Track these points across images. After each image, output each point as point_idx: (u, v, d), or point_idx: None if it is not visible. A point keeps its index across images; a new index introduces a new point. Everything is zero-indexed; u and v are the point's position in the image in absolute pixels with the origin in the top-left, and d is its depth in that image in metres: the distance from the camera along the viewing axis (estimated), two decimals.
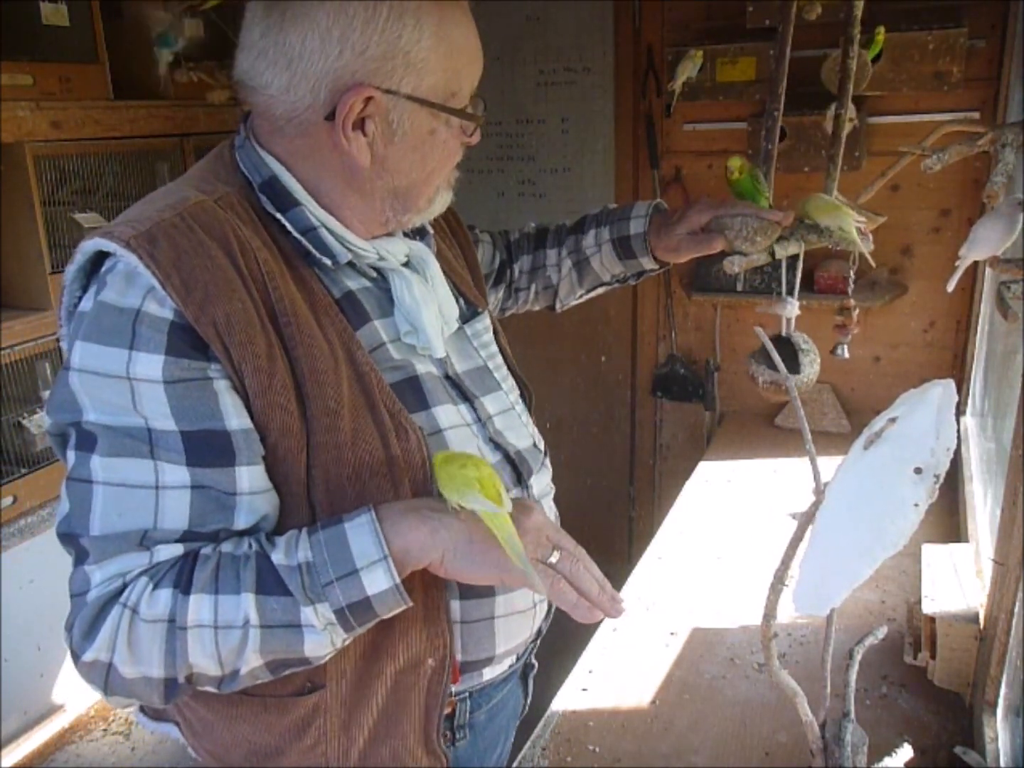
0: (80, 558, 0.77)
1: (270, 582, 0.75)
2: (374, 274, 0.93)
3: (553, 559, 0.81)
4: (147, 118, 2.11)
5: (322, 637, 0.76)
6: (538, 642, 1.14)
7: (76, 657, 0.78)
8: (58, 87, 1.95)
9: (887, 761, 0.94)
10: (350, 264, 0.91)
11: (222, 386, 0.79)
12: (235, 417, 0.79)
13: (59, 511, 0.79)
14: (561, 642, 1.15)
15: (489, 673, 1.01)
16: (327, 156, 0.87)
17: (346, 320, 0.87)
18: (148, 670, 0.76)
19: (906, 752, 0.97)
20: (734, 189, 1.21)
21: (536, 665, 1.18)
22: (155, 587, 0.75)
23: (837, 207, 1.46)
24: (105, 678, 0.77)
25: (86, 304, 0.79)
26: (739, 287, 2.45)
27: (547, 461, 1.09)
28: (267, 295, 0.81)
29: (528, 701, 1.19)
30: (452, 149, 0.91)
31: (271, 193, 0.87)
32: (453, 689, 0.97)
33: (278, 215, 0.86)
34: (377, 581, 0.76)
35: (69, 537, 0.78)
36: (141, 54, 2.18)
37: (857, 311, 1.59)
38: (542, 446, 1.09)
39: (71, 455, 0.78)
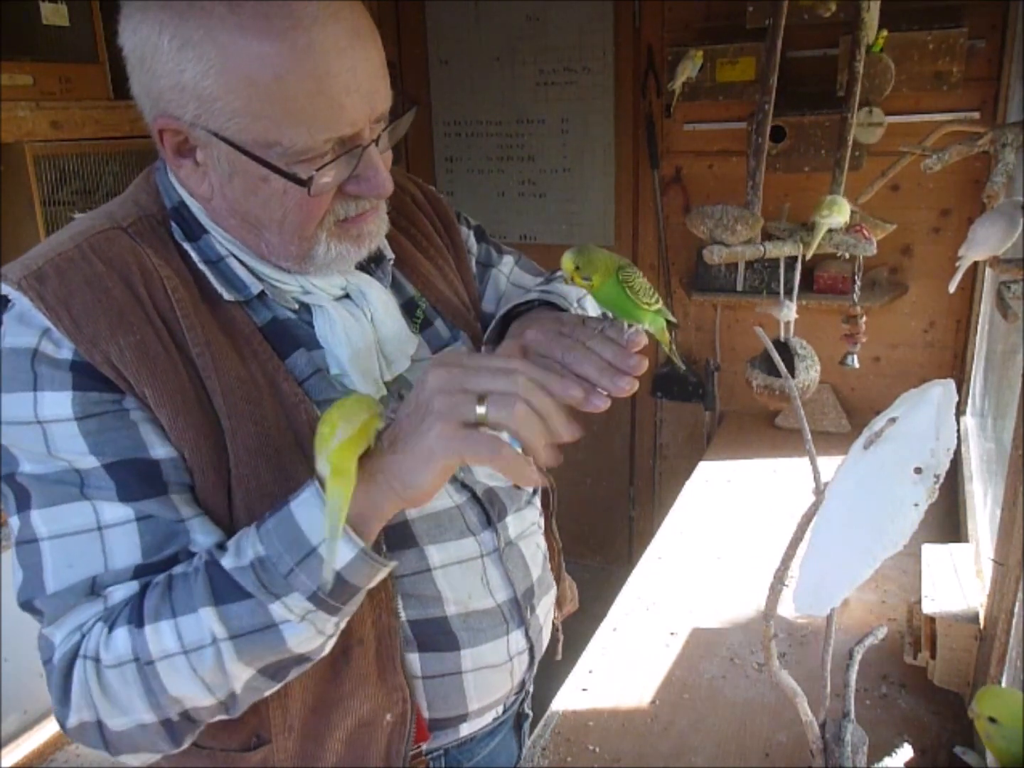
0: (42, 623, 0.74)
1: (226, 589, 0.69)
2: (296, 306, 0.85)
3: (481, 412, 0.65)
4: None
5: (303, 629, 0.70)
6: (529, 692, 1.09)
7: (63, 727, 0.73)
8: (58, 87, 1.95)
9: (887, 761, 0.94)
10: (263, 296, 0.83)
11: (139, 416, 0.74)
12: (159, 446, 0.74)
13: (15, 583, 0.75)
14: (562, 641, 1.15)
15: (468, 728, 0.95)
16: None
17: (271, 349, 0.80)
18: (137, 717, 0.71)
19: (906, 752, 0.96)
20: (600, 296, 0.82)
21: (531, 715, 1.13)
22: (111, 629, 0.71)
23: (837, 204, 1.47)
24: (101, 738, 0.73)
25: None
26: (739, 287, 2.45)
27: (535, 500, 1.02)
28: (176, 324, 0.75)
29: (523, 751, 1.14)
30: (305, 201, 0.76)
31: (180, 220, 0.81)
32: (424, 747, 0.91)
33: (185, 244, 0.80)
34: (340, 553, 0.68)
35: (28, 604, 0.74)
36: None
37: (864, 319, 1.59)
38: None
39: (13, 521, 0.74)
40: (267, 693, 0.76)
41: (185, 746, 0.76)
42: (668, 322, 0.86)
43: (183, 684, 0.70)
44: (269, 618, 0.69)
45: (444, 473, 0.69)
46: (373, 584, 0.73)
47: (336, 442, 0.67)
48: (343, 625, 0.75)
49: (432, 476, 0.68)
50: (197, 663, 0.69)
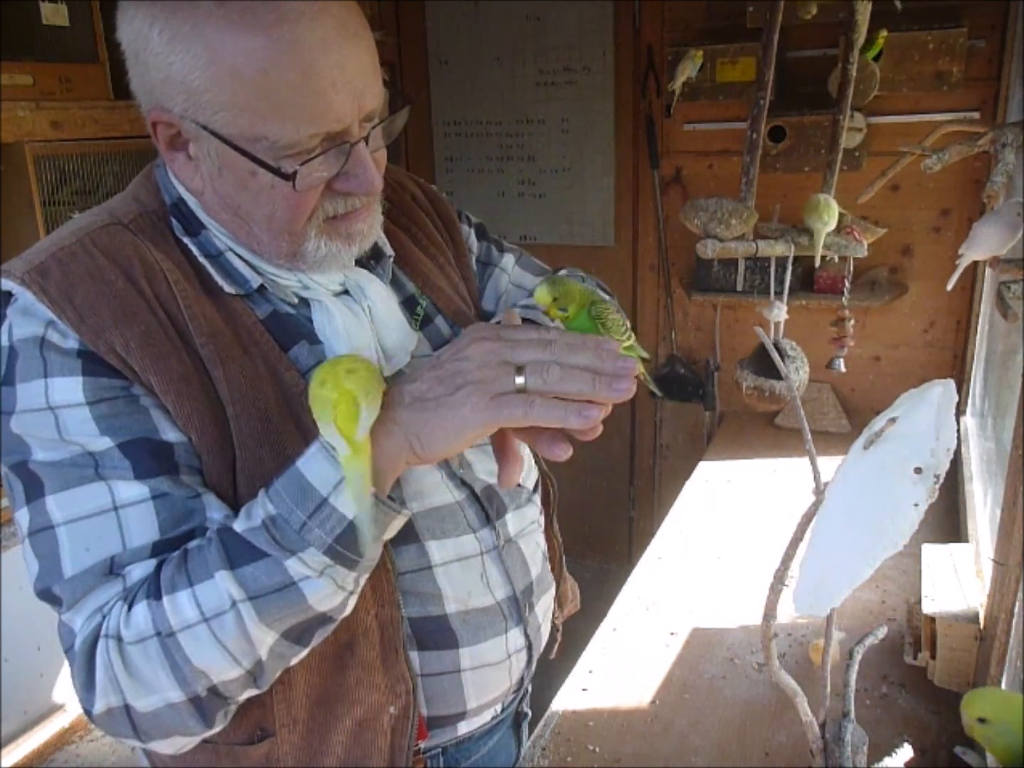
0: (60, 610, 0.73)
1: (240, 551, 0.69)
2: (295, 300, 0.85)
3: (520, 381, 0.67)
4: None
5: (323, 584, 0.70)
6: (528, 690, 1.09)
7: (90, 716, 0.72)
8: (58, 87, 1.96)
9: (887, 761, 0.94)
10: (263, 289, 0.83)
11: (148, 402, 0.75)
12: (170, 431, 0.75)
13: (30, 573, 0.74)
14: (561, 641, 1.15)
15: (466, 727, 0.95)
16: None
17: (273, 340, 0.81)
18: (164, 695, 0.71)
19: (906, 752, 0.96)
20: (573, 328, 0.82)
21: (529, 713, 1.13)
22: (130, 607, 0.70)
23: (824, 206, 1.47)
24: (131, 724, 0.72)
25: (2, 339, 0.75)
26: (739, 287, 2.45)
27: (536, 498, 1.02)
28: (179, 315, 0.76)
29: (522, 751, 1.14)
30: (292, 196, 0.76)
31: (179, 215, 0.82)
32: (422, 746, 0.91)
33: (185, 239, 0.81)
34: (351, 501, 0.68)
35: (46, 592, 0.73)
36: None
37: (852, 322, 1.60)
38: (531, 483, 1.02)
39: (24, 512, 0.73)
40: (294, 661, 0.76)
41: (218, 727, 0.76)
42: (642, 358, 0.85)
43: (207, 654, 0.70)
44: (287, 576, 0.69)
45: (472, 441, 0.70)
46: (389, 535, 0.73)
47: (363, 429, 0.67)
48: (363, 581, 0.74)
49: (459, 444, 0.70)
50: (219, 630, 0.69)
